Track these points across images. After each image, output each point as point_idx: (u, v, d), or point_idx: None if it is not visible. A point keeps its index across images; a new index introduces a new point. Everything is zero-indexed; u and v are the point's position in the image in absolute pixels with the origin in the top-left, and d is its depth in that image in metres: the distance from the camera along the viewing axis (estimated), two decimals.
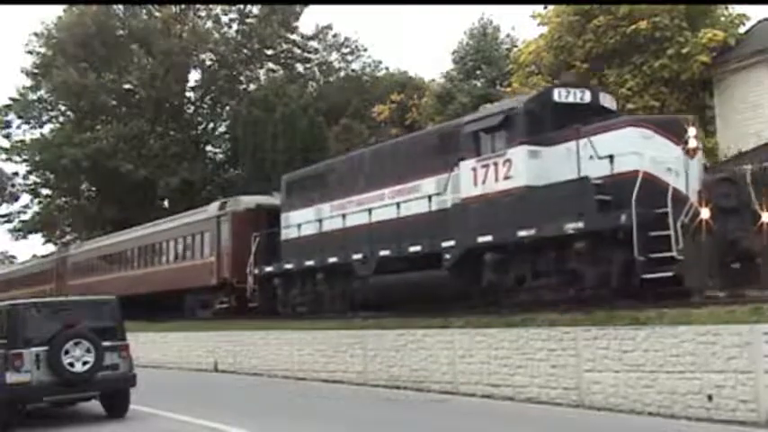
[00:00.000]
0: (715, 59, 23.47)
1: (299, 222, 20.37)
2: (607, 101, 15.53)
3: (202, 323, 24.35)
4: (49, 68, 45.24)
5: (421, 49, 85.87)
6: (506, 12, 54.23)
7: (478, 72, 36.35)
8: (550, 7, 26.46)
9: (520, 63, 28.00)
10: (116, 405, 12.85)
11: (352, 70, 48.86)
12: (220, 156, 49.21)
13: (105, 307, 13.35)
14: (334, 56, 49.17)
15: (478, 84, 35.66)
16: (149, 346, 23.59)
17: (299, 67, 48.98)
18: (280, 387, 17.06)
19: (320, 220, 19.63)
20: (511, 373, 12.97)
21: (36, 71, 47.03)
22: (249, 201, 24.86)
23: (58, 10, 46.96)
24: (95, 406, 13.06)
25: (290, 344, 18.49)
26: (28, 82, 47.56)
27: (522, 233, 13.93)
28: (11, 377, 11.63)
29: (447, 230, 15.67)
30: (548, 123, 14.53)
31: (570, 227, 13.22)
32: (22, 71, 47.47)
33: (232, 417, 12.05)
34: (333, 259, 18.83)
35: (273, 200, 23.69)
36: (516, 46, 34.10)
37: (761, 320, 9.84)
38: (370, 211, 17.84)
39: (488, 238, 14.64)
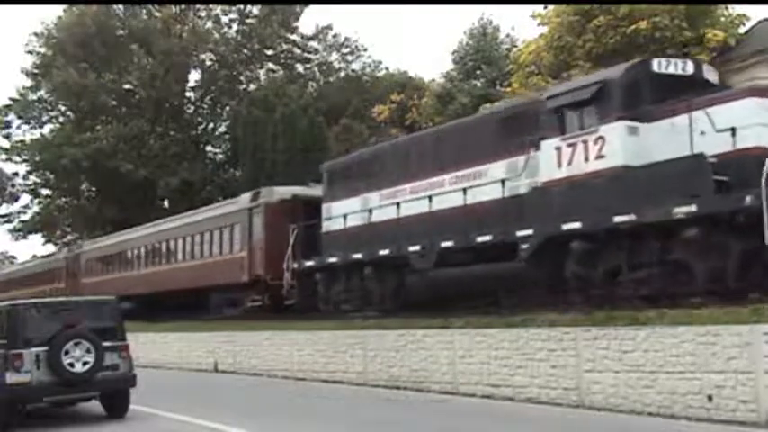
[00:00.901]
0: (715, 59, 23.48)
1: (344, 213, 18.94)
2: (711, 74, 14.07)
3: (202, 323, 24.34)
4: (49, 68, 45.27)
5: (421, 49, 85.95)
6: (506, 12, 54.27)
7: (478, 72, 36.36)
8: (550, 7, 26.46)
9: (520, 63, 28.00)
10: (116, 405, 12.86)
11: (352, 70, 48.87)
12: (220, 156, 49.22)
13: (105, 307, 13.38)
14: (334, 56, 49.20)
15: (478, 84, 35.67)
16: (149, 347, 23.59)
17: (299, 68, 48.99)
18: (280, 387, 17.06)
19: (369, 210, 18.25)
20: (511, 374, 12.96)
21: (36, 71, 47.05)
22: (284, 191, 23.20)
23: (58, 10, 47.08)
24: (95, 406, 13.06)
25: (290, 344, 18.49)
26: (28, 82, 47.67)
27: (620, 219, 12.44)
28: (11, 377, 11.63)
29: (523, 218, 14.31)
30: (646, 97, 13.14)
31: (680, 211, 11.66)
32: (22, 71, 47.59)
33: (232, 417, 12.05)
34: (384, 252, 17.38)
35: (311, 190, 22.54)
36: (516, 46, 34.11)
37: (761, 320, 9.84)
38: (429, 198, 16.41)
39: (576, 225, 13.16)
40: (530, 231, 14.03)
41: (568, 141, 13.64)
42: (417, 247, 16.52)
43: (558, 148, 13.78)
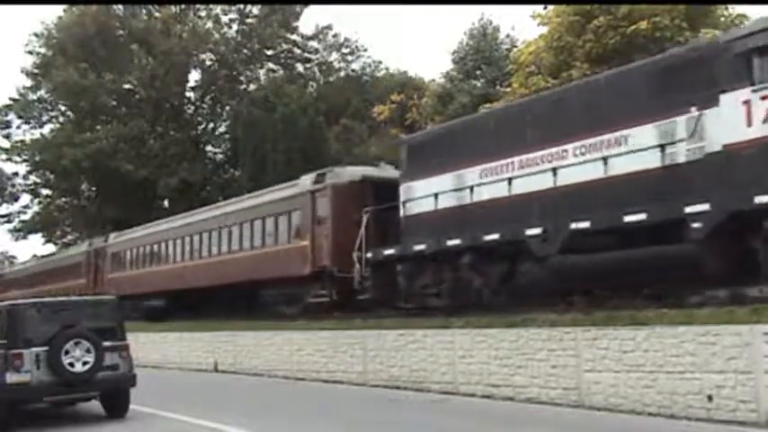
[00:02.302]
0: None
1: (431, 193, 16.38)
2: None
3: (202, 323, 24.28)
4: (48, 68, 45.30)
5: (421, 49, 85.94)
6: (506, 12, 54.26)
7: (478, 72, 36.34)
8: (550, 7, 26.45)
9: (520, 63, 27.99)
10: (116, 405, 12.86)
11: (352, 70, 48.89)
12: (220, 156, 49.24)
13: (105, 307, 13.39)
14: (334, 56, 49.20)
15: (478, 84, 35.65)
16: (149, 347, 23.59)
17: (299, 68, 49.00)
18: (280, 387, 17.06)
19: (465, 188, 15.65)
20: (511, 374, 12.96)
21: (36, 71, 47.08)
22: (353, 172, 20.70)
23: (58, 10, 47.11)
24: (95, 406, 13.06)
25: (290, 344, 18.49)
26: (28, 82, 47.70)
27: None
28: (11, 377, 11.63)
29: (692, 190, 11.80)
30: None
31: None
32: (22, 71, 47.63)
33: (232, 417, 12.05)
34: (492, 236, 14.75)
35: (381, 171, 20.60)
36: (516, 46, 34.08)
37: (761, 320, 9.84)
38: (553, 171, 13.82)
39: None
40: (705, 207, 11.46)
41: (762, 93, 11.09)
42: (538, 230, 13.92)
43: (747, 102, 11.23)
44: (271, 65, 48.81)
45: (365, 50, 48.85)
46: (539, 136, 14.36)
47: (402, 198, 17.32)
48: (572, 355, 12.00)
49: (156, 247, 30.06)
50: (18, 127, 48.06)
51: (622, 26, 23.79)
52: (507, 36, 37.70)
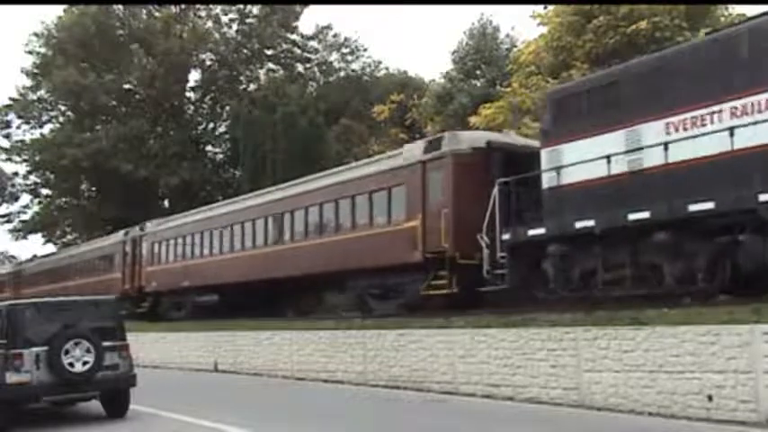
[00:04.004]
0: None
1: (596, 156, 13.05)
2: None
3: (202, 323, 24.26)
4: (48, 68, 45.37)
5: (421, 49, 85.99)
6: (506, 12, 54.28)
7: (478, 72, 36.42)
8: (550, 7, 26.50)
9: (520, 63, 28.03)
10: (116, 405, 12.85)
11: (352, 70, 48.95)
12: (220, 156, 49.29)
13: (105, 307, 13.38)
14: (334, 56, 49.29)
15: (478, 84, 35.71)
16: (149, 346, 23.58)
17: (299, 67, 49.07)
18: (280, 387, 17.05)
19: (657, 146, 12.28)
20: (511, 373, 12.96)
21: (36, 71, 47.16)
22: (475, 137, 17.55)
23: (58, 10, 47.24)
24: (95, 406, 13.05)
25: (290, 344, 18.48)
26: (28, 82, 47.83)
27: None
28: (11, 377, 11.62)
29: None
30: None
31: None
32: (22, 71, 47.78)
33: (232, 417, 12.04)
34: (702, 206, 11.48)
35: (506, 137, 17.88)
36: (516, 46, 34.20)
37: (761, 320, 9.84)
38: None
39: None
40: None
41: None
42: None
43: None
44: (271, 65, 48.89)
45: (365, 50, 49.08)
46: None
47: (546, 165, 14.14)
48: (572, 355, 11.99)
49: (208, 234, 26.36)
50: (18, 127, 48.27)
51: (622, 26, 23.82)
52: (507, 36, 37.86)
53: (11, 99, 47.59)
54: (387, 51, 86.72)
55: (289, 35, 47.98)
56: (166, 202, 46.35)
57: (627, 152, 12.81)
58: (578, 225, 13.26)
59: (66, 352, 11.89)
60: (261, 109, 39.85)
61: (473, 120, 27.54)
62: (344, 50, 48.94)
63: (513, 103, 26.06)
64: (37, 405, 12.46)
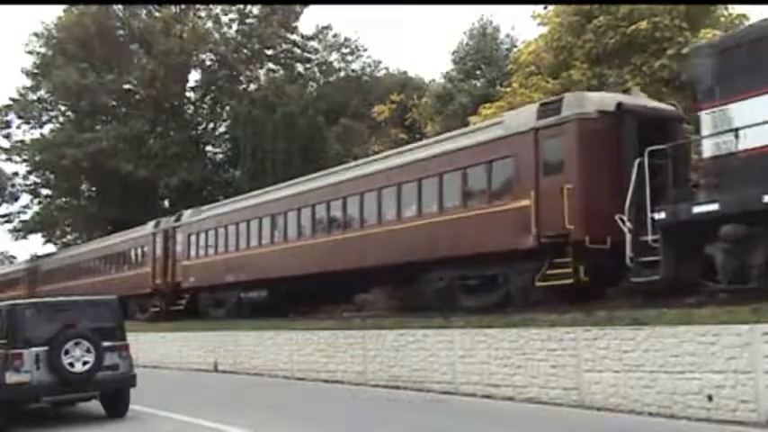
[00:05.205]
0: None
1: None
2: None
3: (202, 323, 24.22)
4: (48, 68, 45.36)
5: (421, 49, 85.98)
6: (506, 12, 54.31)
7: (478, 72, 36.42)
8: (550, 7, 26.46)
9: (520, 63, 27.99)
10: (116, 405, 12.86)
11: (352, 70, 48.95)
12: (220, 156, 49.28)
13: (105, 307, 13.37)
14: (334, 56, 49.29)
15: (478, 84, 35.70)
16: (149, 346, 23.58)
17: (299, 68, 49.08)
18: (280, 387, 17.05)
19: None
20: (511, 373, 12.96)
21: (36, 71, 47.14)
22: (603, 99, 14.92)
23: (58, 10, 47.16)
24: (95, 406, 13.06)
25: (290, 344, 18.48)
26: (28, 82, 47.77)
27: None
28: (11, 377, 11.63)
29: None
30: None
31: None
32: (22, 71, 47.71)
33: (232, 417, 12.05)
34: None
35: (639, 99, 15.26)
36: (516, 46, 34.16)
37: (761, 320, 9.84)
38: None
39: None
40: None
41: None
42: None
43: None
44: (271, 65, 48.90)
45: (365, 50, 49.07)
46: None
47: (706, 131, 12.03)
48: (572, 355, 12.00)
49: (258, 222, 23.63)
50: (18, 127, 48.20)
51: (622, 26, 23.78)
52: (507, 36, 37.86)
53: (11, 99, 47.58)
54: (387, 51, 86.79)
55: (289, 35, 47.97)
56: (166, 202, 46.34)
57: None
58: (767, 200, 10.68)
59: (67, 352, 11.91)
60: (261, 109, 39.86)
61: (473, 120, 27.53)
62: (344, 50, 48.96)
63: (513, 103, 26.04)
64: (37, 405, 12.47)
